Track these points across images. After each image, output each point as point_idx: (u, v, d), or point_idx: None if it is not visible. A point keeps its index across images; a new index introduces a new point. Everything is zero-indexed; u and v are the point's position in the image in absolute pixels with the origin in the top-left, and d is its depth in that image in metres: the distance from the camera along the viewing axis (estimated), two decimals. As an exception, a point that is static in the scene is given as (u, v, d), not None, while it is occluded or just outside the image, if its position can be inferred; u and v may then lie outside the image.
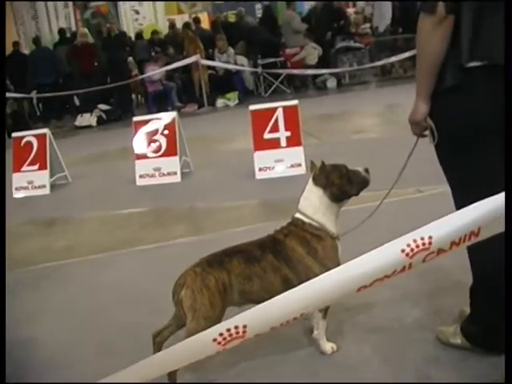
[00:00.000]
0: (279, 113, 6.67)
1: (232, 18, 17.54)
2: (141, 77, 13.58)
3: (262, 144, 6.68)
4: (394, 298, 3.28)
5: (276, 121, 6.66)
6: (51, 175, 7.46)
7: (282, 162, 6.64)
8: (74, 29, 18.85)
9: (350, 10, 18.52)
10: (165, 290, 2.77)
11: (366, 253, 1.69)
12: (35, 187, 7.39)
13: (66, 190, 7.37)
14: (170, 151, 7.11)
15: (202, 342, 1.84)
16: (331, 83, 13.62)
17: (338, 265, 2.51)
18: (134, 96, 15.29)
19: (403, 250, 1.63)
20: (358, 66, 13.48)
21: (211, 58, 13.89)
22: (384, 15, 14.70)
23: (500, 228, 1.66)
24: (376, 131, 8.59)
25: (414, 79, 2.42)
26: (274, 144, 6.66)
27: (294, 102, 6.87)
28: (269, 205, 5.75)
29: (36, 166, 7.44)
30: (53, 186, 7.37)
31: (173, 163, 7.08)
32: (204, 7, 22.41)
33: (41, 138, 7.50)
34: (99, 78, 13.38)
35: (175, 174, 7.04)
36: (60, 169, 7.63)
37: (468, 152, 2.35)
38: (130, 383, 2.01)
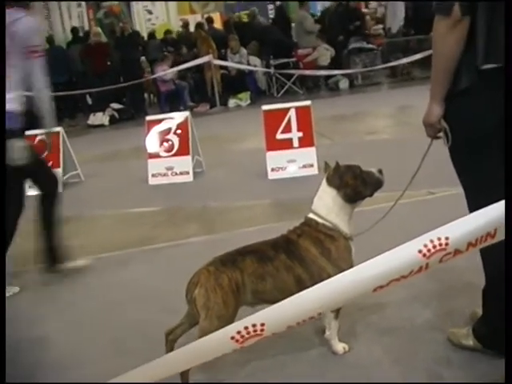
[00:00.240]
0: (292, 113, 6.68)
1: (244, 18, 17.53)
2: (153, 76, 13.62)
3: (274, 144, 6.70)
4: (407, 298, 3.29)
5: (289, 121, 6.68)
6: (64, 173, 7.48)
7: (295, 163, 6.66)
8: (86, 28, 18.95)
9: (364, 11, 18.45)
10: (177, 288, 2.78)
11: (378, 254, 1.69)
12: (48, 185, 7.41)
13: (79, 189, 7.40)
14: (183, 150, 7.13)
15: (220, 340, 1.85)
16: (343, 84, 13.60)
17: (351, 266, 2.53)
18: (146, 95, 15.33)
19: (420, 251, 1.63)
20: (371, 67, 13.45)
21: (224, 58, 13.91)
22: (397, 16, 14.64)
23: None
24: (388, 132, 8.58)
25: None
26: (287, 144, 6.68)
27: (307, 102, 6.89)
28: (281, 205, 5.77)
29: (49, 164, 7.46)
30: (65, 185, 7.38)
31: (185, 162, 7.10)
32: (216, 7, 22.45)
33: (54, 137, 7.53)
34: (112, 77, 13.44)
35: (187, 173, 7.07)
36: (73, 167, 7.67)
37: (482, 154, 2.35)
38: (144, 383, 2.03)
